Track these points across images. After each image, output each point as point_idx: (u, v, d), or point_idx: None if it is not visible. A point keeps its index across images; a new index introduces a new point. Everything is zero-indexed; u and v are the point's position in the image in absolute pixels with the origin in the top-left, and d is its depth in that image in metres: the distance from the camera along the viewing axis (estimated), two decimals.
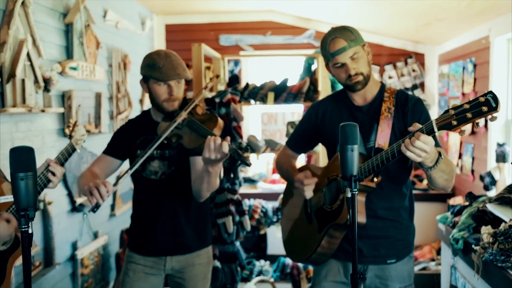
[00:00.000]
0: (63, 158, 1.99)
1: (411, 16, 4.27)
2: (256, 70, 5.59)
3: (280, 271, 4.09)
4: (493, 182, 3.56)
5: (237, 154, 1.83)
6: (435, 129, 1.57)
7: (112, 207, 4.08)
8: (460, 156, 4.48)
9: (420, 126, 1.63)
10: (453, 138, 4.68)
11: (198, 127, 2.02)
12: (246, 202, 4.28)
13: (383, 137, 1.93)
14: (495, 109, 1.45)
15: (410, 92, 5.24)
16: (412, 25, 4.59)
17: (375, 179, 1.85)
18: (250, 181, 5.06)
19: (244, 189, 4.94)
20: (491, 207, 2.28)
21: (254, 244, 4.79)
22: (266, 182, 5.03)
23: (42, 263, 3.01)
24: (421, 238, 4.68)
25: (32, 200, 1.22)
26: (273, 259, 4.54)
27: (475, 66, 4.07)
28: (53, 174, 1.88)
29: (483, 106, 1.46)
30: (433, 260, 4.29)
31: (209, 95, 2.90)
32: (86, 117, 3.61)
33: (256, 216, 4.06)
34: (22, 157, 1.21)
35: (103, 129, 3.79)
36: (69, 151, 2.02)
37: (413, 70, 5.22)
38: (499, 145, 3.52)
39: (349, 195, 1.45)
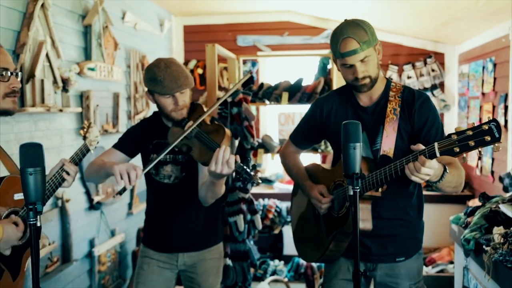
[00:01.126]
0: (77, 158, 2.02)
1: (429, 15, 4.22)
2: (274, 70, 5.61)
3: (294, 271, 4.09)
4: None
5: (244, 172, 1.82)
6: (437, 154, 1.57)
7: (130, 205, 4.15)
8: (480, 158, 4.41)
9: (423, 147, 1.62)
10: None
11: (206, 140, 2.03)
12: (261, 202, 4.30)
13: (388, 142, 1.91)
14: (498, 139, 1.43)
15: (429, 93, 5.22)
16: (430, 24, 4.54)
17: (380, 189, 1.85)
18: (267, 181, 5.07)
19: (260, 189, 4.96)
20: (503, 208, 2.24)
21: (270, 245, 4.80)
22: (282, 183, 5.04)
23: (60, 259, 3.09)
24: (439, 241, 4.62)
25: (40, 194, 1.26)
26: (289, 259, 4.55)
27: (495, 65, 4.00)
28: (67, 173, 1.92)
29: (486, 135, 1.44)
30: (451, 262, 4.22)
31: (220, 94, 2.94)
32: (104, 117, 3.68)
33: (270, 215, 4.08)
34: (31, 152, 1.26)
35: (120, 128, 3.86)
36: (83, 152, 2.06)
37: (433, 70, 5.16)
38: None
39: (351, 193, 1.45)
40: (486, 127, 1.45)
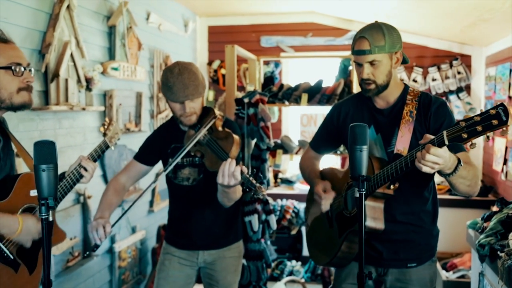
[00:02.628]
0: (96, 154, 2.07)
1: (454, 16, 4.15)
2: (297, 71, 5.61)
3: (311, 272, 4.09)
4: None
5: (250, 183, 1.84)
6: (446, 142, 1.56)
7: (151, 203, 4.22)
8: (505, 162, 4.31)
9: (431, 137, 1.61)
10: (498, 143, 4.51)
11: (216, 149, 2.07)
12: (279, 202, 4.31)
13: (402, 142, 1.90)
14: (505, 123, 1.43)
15: (455, 95, 5.13)
16: (456, 26, 4.46)
17: (392, 186, 1.84)
18: (288, 182, 5.08)
19: (281, 189, 4.97)
20: None
21: (289, 245, 4.80)
22: (303, 184, 5.03)
23: (81, 254, 3.17)
24: (461, 246, 4.53)
25: (53, 190, 1.31)
26: (307, 260, 4.54)
27: None
28: (85, 169, 1.97)
29: (494, 119, 1.44)
30: None
31: (239, 95, 2.96)
32: (126, 116, 3.76)
33: (288, 216, 4.08)
34: (44, 150, 1.31)
35: (143, 127, 3.93)
36: (102, 148, 2.11)
37: (458, 73, 5.07)
38: None
39: (357, 195, 1.46)
40: (493, 111, 1.45)
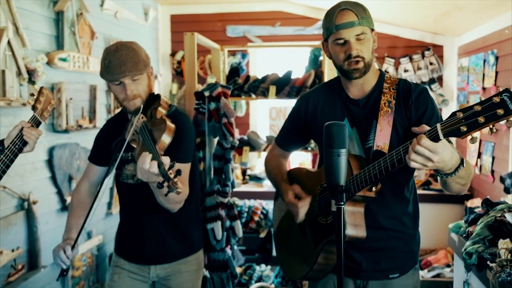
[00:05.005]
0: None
1: (428, 5, 3.98)
2: (265, 62, 5.34)
3: (282, 277, 3.85)
4: None
5: (166, 178, 1.58)
6: (441, 137, 1.32)
7: (109, 205, 3.91)
8: (479, 155, 4.18)
9: (427, 128, 1.39)
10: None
11: (146, 138, 1.80)
12: (246, 203, 4.06)
13: (382, 137, 1.67)
14: None
15: (427, 87, 4.98)
16: (430, 14, 4.30)
17: (374, 188, 1.60)
18: (256, 179, 4.83)
19: (249, 187, 4.73)
20: (510, 217, 2.01)
21: (259, 245, 4.57)
22: None
23: (26, 266, 2.84)
24: (436, 242, 4.42)
25: None
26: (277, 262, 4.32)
27: (497, 58, 3.77)
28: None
29: (498, 108, 1.21)
30: (448, 265, 4.01)
31: (199, 88, 2.69)
32: (79, 111, 3.43)
33: (256, 218, 3.84)
34: None
35: (98, 123, 3.61)
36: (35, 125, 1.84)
37: (431, 63, 4.92)
38: None
39: (334, 208, 1.21)
40: (497, 99, 1.22)
